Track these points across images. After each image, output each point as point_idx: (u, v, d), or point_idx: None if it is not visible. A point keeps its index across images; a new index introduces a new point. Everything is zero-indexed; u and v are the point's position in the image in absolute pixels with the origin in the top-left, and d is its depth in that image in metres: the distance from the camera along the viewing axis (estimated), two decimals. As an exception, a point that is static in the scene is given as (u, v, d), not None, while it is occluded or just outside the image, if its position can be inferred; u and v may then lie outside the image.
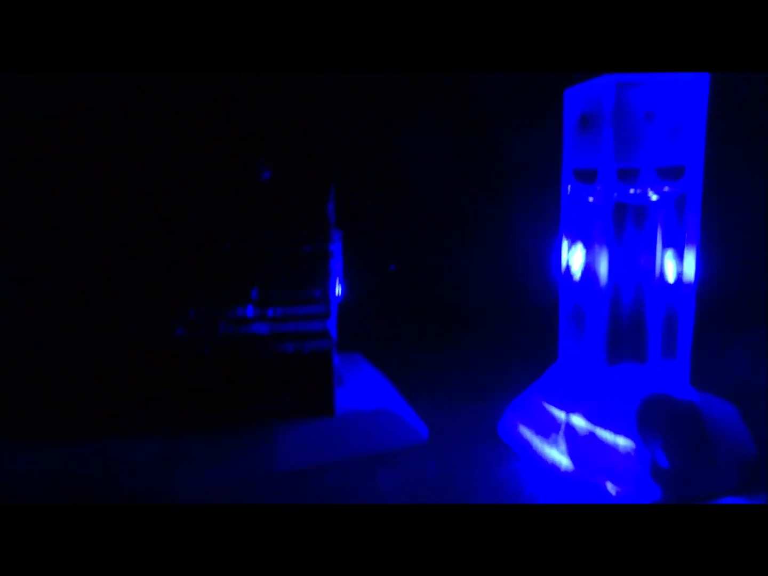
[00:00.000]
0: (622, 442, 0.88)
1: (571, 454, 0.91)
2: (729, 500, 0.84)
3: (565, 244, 1.03)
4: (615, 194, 0.91)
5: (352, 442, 0.92)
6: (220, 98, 0.94)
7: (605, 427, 0.90)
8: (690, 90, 0.87)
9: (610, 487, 0.86)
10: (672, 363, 0.97)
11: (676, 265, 0.95)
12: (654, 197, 0.93)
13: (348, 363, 1.11)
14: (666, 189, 0.92)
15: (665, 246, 0.95)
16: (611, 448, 0.89)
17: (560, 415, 0.96)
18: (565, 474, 0.90)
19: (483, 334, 1.30)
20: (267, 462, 0.86)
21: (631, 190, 0.92)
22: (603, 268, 0.92)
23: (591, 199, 0.95)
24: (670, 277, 0.96)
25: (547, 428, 0.96)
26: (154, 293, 0.90)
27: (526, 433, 0.99)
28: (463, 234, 1.37)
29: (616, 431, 0.89)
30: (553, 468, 0.92)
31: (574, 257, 1.02)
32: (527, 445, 0.98)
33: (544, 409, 0.99)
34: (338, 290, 0.97)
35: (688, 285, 0.93)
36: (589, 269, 0.97)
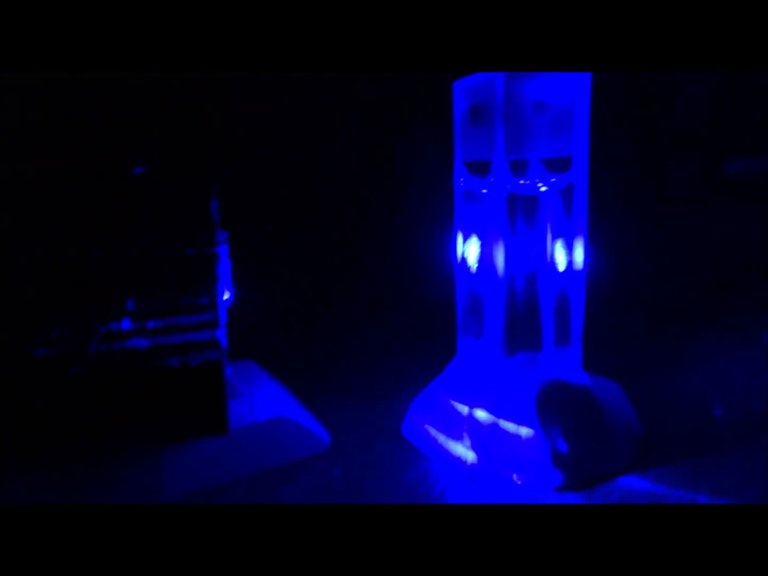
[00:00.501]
0: (524, 431, 0.89)
1: (476, 447, 0.91)
2: (623, 479, 0.87)
3: (460, 237, 1.03)
4: (508, 186, 0.91)
5: (250, 457, 0.86)
6: (91, 91, 0.84)
7: (507, 418, 0.91)
8: (575, 82, 0.89)
9: (515, 477, 0.87)
10: (566, 350, 1.00)
11: (566, 255, 0.97)
12: (543, 188, 0.95)
13: (241, 372, 1.04)
14: (553, 180, 0.94)
15: (555, 236, 0.97)
16: (514, 438, 0.89)
17: (463, 409, 0.95)
18: (471, 468, 0.90)
19: (382, 333, 1.28)
20: (154, 489, 0.78)
21: (521, 181, 0.93)
22: (499, 260, 0.93)
23: (484, 191, 0.95)
24: (561, 266, 0.98)
25: (452, 424, 0.96)
26: (7, 309, 0.78)
27: (432, 430, 0.98)
28: (356, 231, 1.33)
29: (518, 421, 0.90)
30: (459, 463, 0.91)
31: (469, 250, 1.02)
32: (433, 443, 0.97)
33: (448, 404, 0.99)
34: (226, 295, 0.90)
35: (578, 273, 0.96)
36: (484, 261, 0.97)
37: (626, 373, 1.11)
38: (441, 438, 0.96)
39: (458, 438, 0.94)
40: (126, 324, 0.80)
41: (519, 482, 0.86)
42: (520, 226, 0.97)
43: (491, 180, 0.91)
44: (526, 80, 0.87)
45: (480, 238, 0.99)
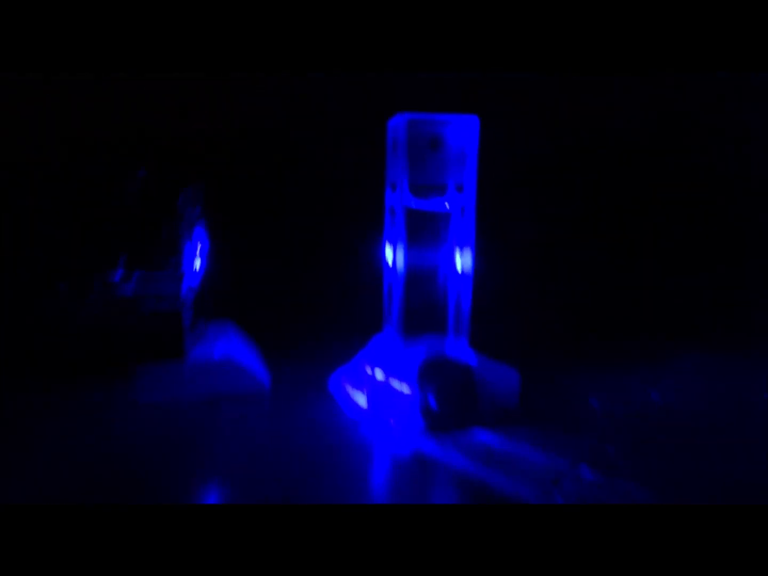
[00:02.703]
0: (405, 388, 1.17)
1: (370, 398, 1.20)
2: (479, 431, 1.13)
3: (388, 244, 1.33)
4: (412, 203, 1.20)
5: (200, 384, 1.20)
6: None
7: (395, 377, 1.19)
8: (466, 126, 1.18)
9: (391, 420, 1.15)
10: (461, 336, 1.27)
11: (462, 261, 1.25)
12: (447, 206, 1.23)
13: (215, 326, 1.39)
14: (454, 201, 1.22)
15: (456, 245, 1.25)
16: (397, 393, 1.17)
17: (368, 370, 1.25)
18: (364, 412, 1.19)
19: (335, 314, 1.62)
20: (129, 393, 1.14)
21: (427, 202, 1.22)
22: (399, 260, 1.22)
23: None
24: (459, 269, 1.26)
25: (359, 380, 1.25)
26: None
27: (347, 387, 1.28)
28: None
29: (402, 380, 1.18)
30: (357, 408, 1.21)
31: (390, 255, 1.31)
32: (346, 396, 1.26)
33: (361, 367, 1.28)
34: (197, 264, 1.25)
35: (466, 276, 1.24)
36: (395, 264, 1.27)
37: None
38: (350, 390, 1.25)
39: (361, 390, 1.23)
40: (118, 276, 1.18)
41: (393, 425, 1.14)
42: (429, 236, 1.26)
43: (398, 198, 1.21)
44: (424, 123, 1.17)
45: (397, 245, 1.28)
